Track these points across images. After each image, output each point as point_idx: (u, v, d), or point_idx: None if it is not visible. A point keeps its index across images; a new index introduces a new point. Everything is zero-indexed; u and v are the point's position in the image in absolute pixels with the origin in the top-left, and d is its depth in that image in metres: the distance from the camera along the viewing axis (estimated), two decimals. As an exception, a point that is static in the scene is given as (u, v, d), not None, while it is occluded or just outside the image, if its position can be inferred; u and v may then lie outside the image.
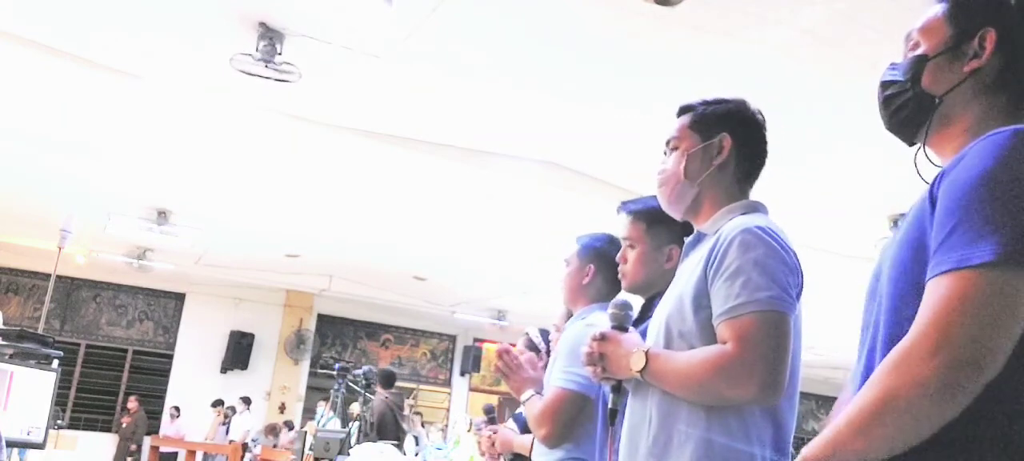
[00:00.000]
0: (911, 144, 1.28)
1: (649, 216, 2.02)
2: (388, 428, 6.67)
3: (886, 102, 1.27)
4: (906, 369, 0.98)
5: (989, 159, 1.02)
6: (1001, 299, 0.95)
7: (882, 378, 1.01)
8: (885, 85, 1.27)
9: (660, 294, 1.93)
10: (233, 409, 12.39)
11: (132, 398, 12.55)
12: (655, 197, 1.95)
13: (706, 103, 1.70)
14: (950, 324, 0.96)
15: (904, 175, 1.31)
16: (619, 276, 2.08)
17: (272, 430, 11.96)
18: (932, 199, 1.08)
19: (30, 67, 5.51)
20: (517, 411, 2.98)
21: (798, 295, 1.50)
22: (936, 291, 1.00)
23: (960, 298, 0.97)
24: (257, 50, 4.70)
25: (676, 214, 1.72)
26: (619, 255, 2.07)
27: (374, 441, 5.90)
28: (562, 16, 4.28)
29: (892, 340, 1.04)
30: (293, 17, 4.59)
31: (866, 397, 1.02)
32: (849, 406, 1.04)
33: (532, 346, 3.17)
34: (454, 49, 4.83)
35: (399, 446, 6.42)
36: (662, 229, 2.00)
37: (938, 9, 1.24)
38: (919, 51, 1.24)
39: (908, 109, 1.24)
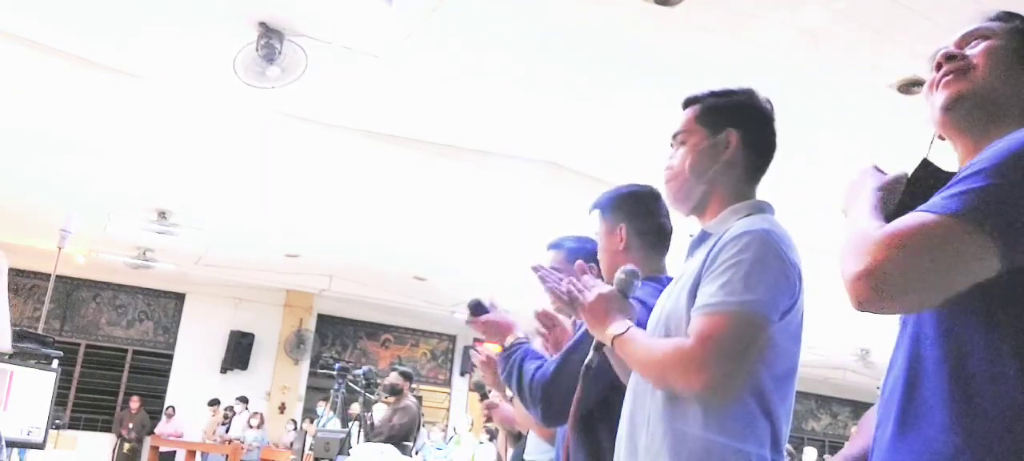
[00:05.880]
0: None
1: (600, 204, 2.06)
2: (413, 430, 6.63)
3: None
4: None
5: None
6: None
7: None
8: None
9: None
10: (232, 409, 12.40)
11: (134, 398, 12.56)
12: (613, 188, 1.96)
13: (713, 95, 1.67)
14: None
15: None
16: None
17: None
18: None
19: (30, 67, 5.51)
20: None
21: (794, 301, 1.48)
22: None
23: None
24: (257, 51, 4.71)
25: (682, 211, 1.70)
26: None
27: (398, 441, 5.89)
28: (562, 16, 4.28)
29: None
30: (293, 17, 4.59)
31: None
32: None
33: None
34: (454, 49, 4.83)
35: (411, 447, 6.40)
36: (613, 213, 2.03)
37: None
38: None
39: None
